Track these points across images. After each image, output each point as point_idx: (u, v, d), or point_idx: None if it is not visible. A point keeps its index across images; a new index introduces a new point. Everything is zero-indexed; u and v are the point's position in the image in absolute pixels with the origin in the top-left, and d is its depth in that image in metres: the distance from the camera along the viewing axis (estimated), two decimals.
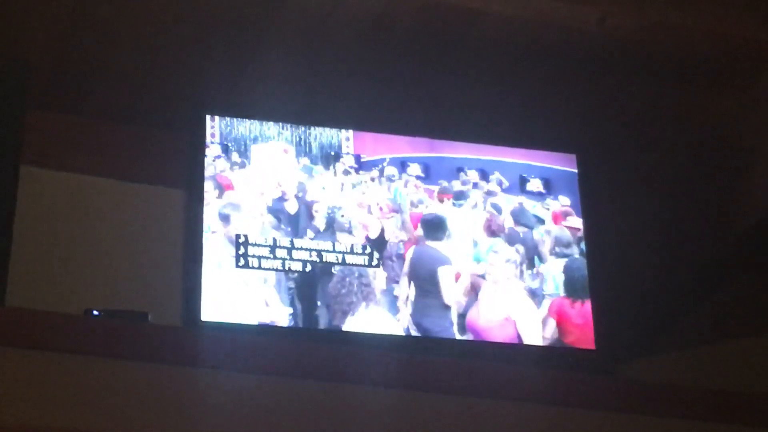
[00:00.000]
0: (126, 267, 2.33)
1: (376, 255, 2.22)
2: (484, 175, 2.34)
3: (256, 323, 2.14)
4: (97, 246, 2.34)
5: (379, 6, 2.20)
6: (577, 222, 2.32)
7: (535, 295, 2.26)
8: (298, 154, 2.26)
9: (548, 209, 2.33)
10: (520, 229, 2.31)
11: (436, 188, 2.31)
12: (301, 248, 2.19)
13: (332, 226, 2.22)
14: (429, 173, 2.31)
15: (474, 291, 2.25)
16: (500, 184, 2.34)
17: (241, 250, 2.16)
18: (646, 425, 2.17)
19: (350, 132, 2.30)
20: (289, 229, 2.20)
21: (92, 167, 2.39)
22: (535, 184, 2.35)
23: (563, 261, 2.29)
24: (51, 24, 2.22)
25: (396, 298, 2.21)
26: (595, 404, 2.15)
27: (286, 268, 2.17)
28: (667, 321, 2.59)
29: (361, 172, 2.28)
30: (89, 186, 2.37)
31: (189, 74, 2.34)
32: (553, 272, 2.28)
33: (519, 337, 2.24)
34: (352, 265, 2.20)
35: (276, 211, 2.21)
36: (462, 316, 2.23)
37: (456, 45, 2.30)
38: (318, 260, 2.19)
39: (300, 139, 2.27)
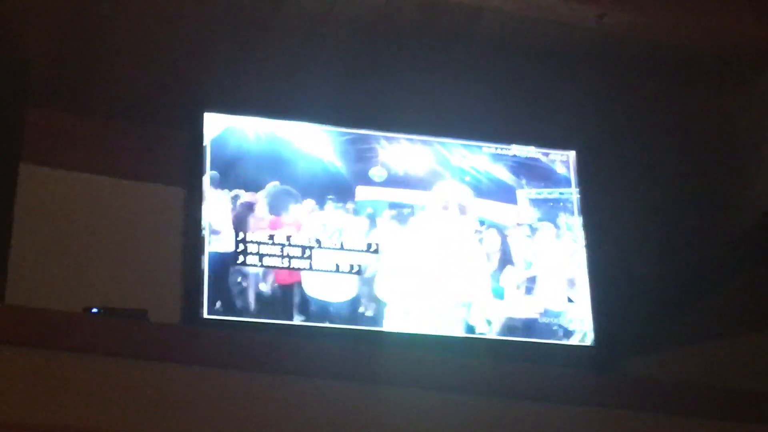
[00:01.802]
0: (125, 265, 2.33)
1: None
2: None
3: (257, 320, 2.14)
4: (96, 244, 2.33)
5: (379, 4, 2.20)
6: None
7: None
8: None
9: None
10: None
11: None
12: None
13: None
14: None
15: None
16: None
17: None
18: (645, 422, 2.17)
19: None
20: None
21: (92, 165, 2.38)
22: None
23: None
24: (51, 22, 2.22)
25: None
26: (594, 401, 2.15)
27: None
28: (668, 318, 2.58)
29: None
30: (88, 184, 2.37)
31: (188, 72, 2.34)
32: None
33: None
34: None
35: None
36: None
37: (456, 42, 2.30)
38: None
39: None
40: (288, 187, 2.24)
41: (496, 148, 2.36)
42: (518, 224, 2.32)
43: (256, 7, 2.20)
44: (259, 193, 2.22)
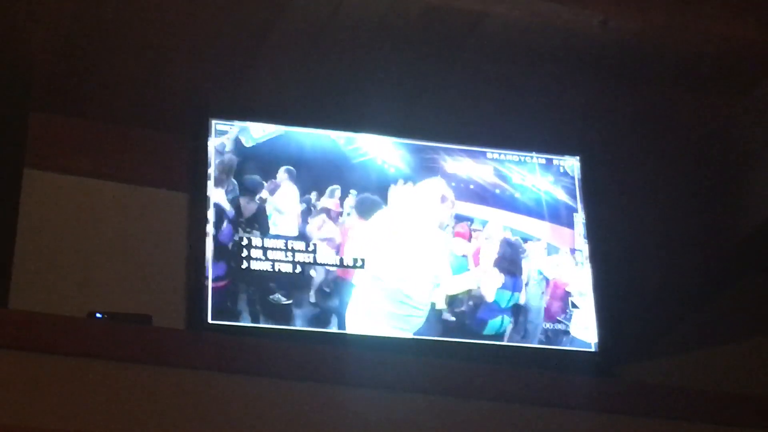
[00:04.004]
0: (129, 270, 2.33)
1: None
2: None
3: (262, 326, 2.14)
4: (100, 249, 2.34)
5: (382, 9, 2.20)
6: None
7: None
8: None
9: None
10: None
11: None
12: None
13: None
14: None
15: None
16: None
17: None
18: (647, 427, 2.17)
19: None
20: None
21: (95, 170, 2.39)
22: None
23: None
24: (55, 26, 2.22)
25: None
26: (596, 406, 2.16)
27: None
28: (670, 323, 2.59)
29: None
30: (92, 189, 2.38)
31: (193, 77, 2.34)
32: None
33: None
34: None
35: None
36: None
37: (458, 48, 2.30)
38: None
39: None
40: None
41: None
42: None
43: (261, 12, 2.20)
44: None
